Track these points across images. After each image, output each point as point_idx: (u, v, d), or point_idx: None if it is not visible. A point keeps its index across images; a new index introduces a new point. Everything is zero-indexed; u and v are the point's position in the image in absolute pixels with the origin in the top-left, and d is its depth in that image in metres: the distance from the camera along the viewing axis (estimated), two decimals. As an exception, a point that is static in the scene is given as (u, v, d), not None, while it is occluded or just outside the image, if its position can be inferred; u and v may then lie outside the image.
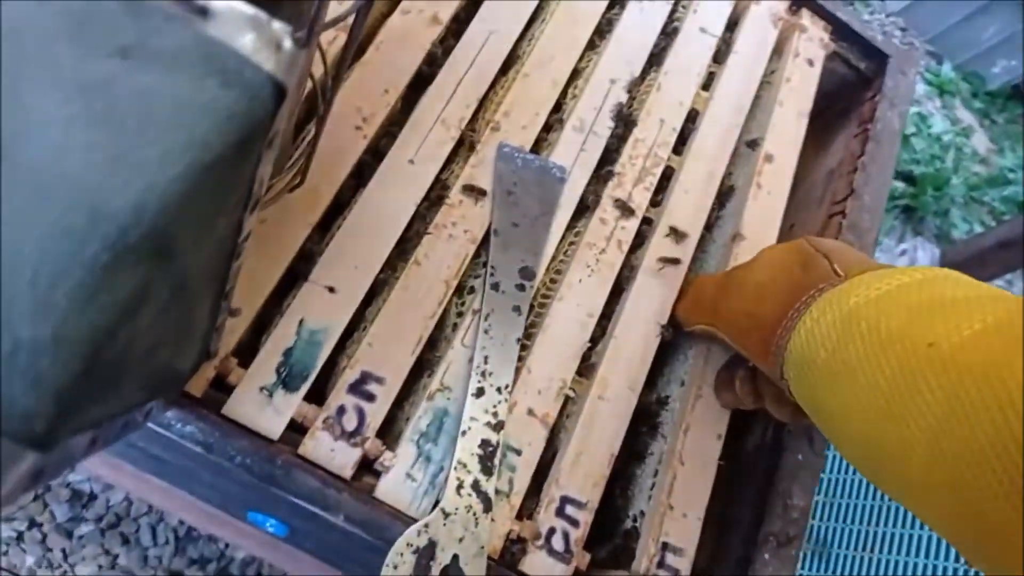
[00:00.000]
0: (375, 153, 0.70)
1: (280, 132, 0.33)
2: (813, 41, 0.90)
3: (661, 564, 0.64)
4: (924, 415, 0.43)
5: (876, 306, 0.50)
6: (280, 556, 0.97)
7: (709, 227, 0.80)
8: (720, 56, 0.88)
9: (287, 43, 0.28)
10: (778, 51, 0.91)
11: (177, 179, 0.25)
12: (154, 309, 0.28)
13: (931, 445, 0.43)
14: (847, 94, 0.95)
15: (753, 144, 0.84)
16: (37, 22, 0.24)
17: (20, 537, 1.28)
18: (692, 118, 0.84)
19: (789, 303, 0.57)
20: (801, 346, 0.54)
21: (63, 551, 1.29)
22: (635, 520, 0.67)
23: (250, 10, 0.27)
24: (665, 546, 0.64)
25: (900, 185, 2.50)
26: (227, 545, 1.35)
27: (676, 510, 0.66)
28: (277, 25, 0.27)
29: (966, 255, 1.47)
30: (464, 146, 0.73)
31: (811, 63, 0.89)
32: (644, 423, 0.72)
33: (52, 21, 0.24)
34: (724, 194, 0.82)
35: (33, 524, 1.31)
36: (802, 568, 1.32)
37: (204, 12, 0.26)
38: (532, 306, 0.70)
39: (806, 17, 0.91)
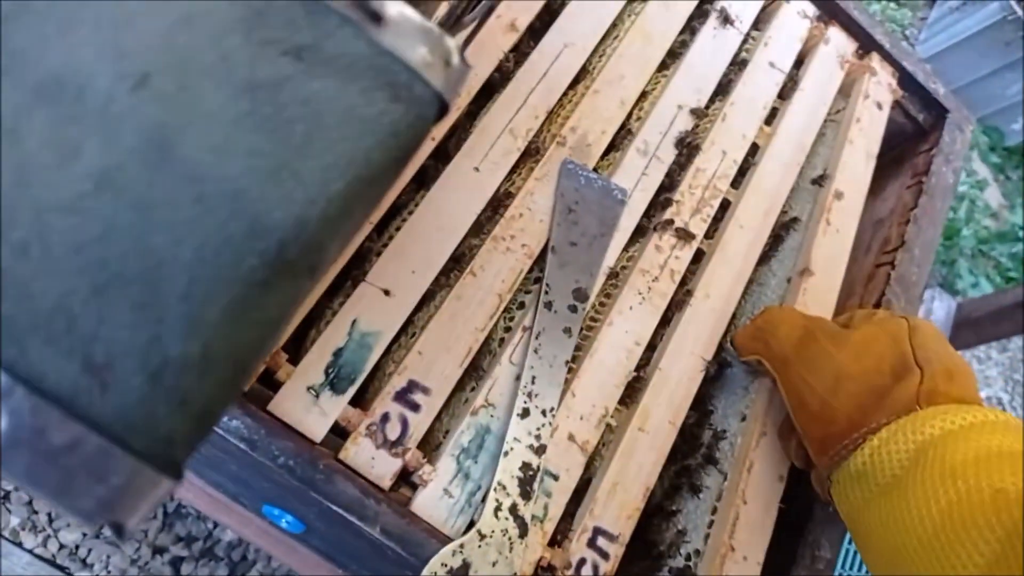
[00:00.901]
0: (438, 157, 0.68)
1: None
2: (882, 85, 0.89)
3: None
4: (973, 553, 0.45)
5: (947, 441, 0.51)
6: (279, 549, 0.95)
7: (765, 260, 0.79)
8: (785, 92, 0.87)
9: (456, 59, 0.26)
10: (845, 91, 0.90)
11: (339, 195, 0.23)
12: (288, 318, 0.26)
13: None
14: (902, 143, 0.95)
15: (820, 180, 0.83)
16: (214, 10, 0.22)
17: (7, 497, 1.25)
18: (753, 152, 0.82)
19: (868, 414, 0.57)
20: (862, 463, 0.56)
21: (49, 515, 1.26)
22: (689, 559, 0.66)
23: (421, 20, 0.25)
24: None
25: (912, 231, 2.50)
26: (215, 525, 1.32)
27: (737, 552, 0.64)
28: (449, 40, 0.26)
29: (983, 311, 1.47)
30: (529, 157, 0.71)
31: (880, 106, 0.88)
32: (696, 454, 0.70)
33: (229, 11, 0.23)
34: (785, 225, 0.81)
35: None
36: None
37: (378, 18, 0.25)
38: (581, 328, 0.69)
39: (876, 61, 0.90)
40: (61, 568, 1.21)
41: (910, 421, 0.54)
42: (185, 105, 0.22)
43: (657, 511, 0.69)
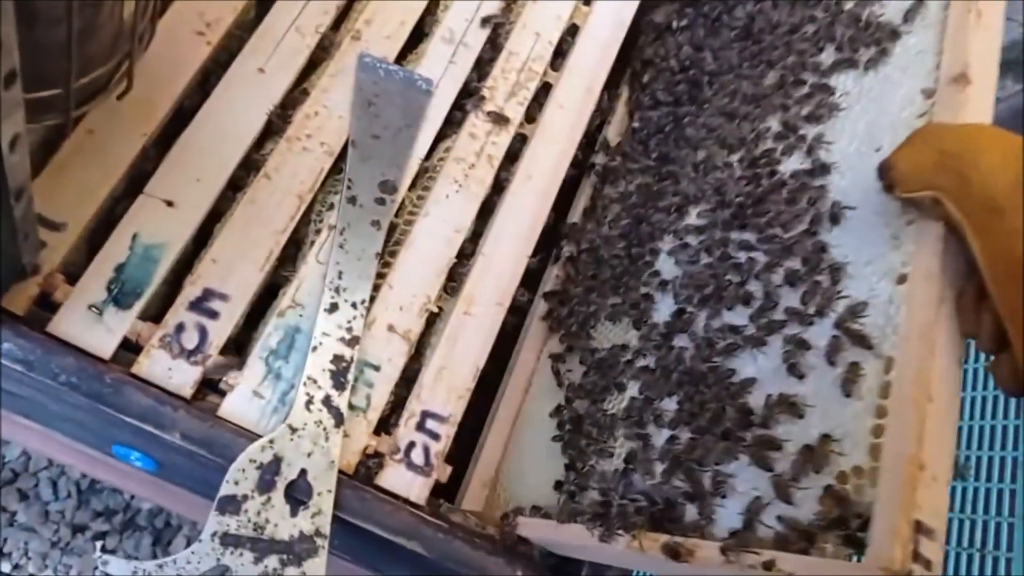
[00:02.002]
0: (221, 61, 0.66)
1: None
2: None
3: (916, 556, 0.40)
4: None
5: None
6: (165, 496, 0.95)
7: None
8: (602, -31, 0.85)
9: None
10: None
11: None
12: None
13: None
14: None
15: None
16: None
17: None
18: (572, 32, 0.81)
19: None
20: None
21: (-44, 514, 1.24)
22: (844, 479, 0.45)
23: None
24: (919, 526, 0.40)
25: None
26: (132, 496, 1.31)
27: (927, 471, 0.41)
28: None
29: None
30: (322, 54, 0.69)
31: None
32: (838, 331, 0.51)
33: None
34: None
35: (-81, 488, 1.25)
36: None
37: None
38: (395, 222, 0.68)
39: None
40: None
41: None
42: None
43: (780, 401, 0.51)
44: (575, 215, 0.79)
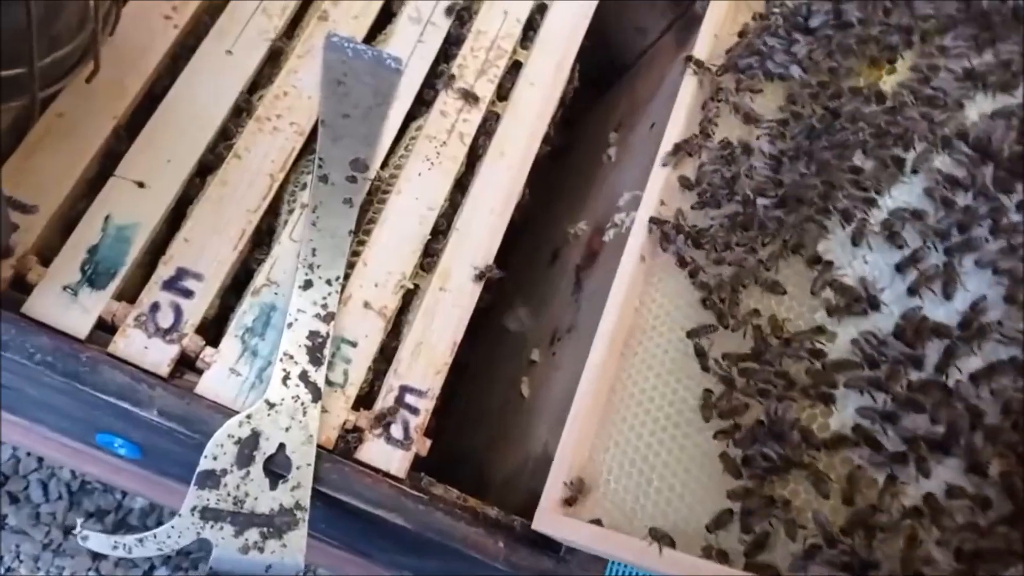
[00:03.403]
0: (189, 44, 0.66)
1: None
2: None
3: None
4: None
5: None
6: (156, 490, 0.95)
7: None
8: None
9: None
10: None
11: None
12: None
13: None
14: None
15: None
16: None
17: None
18: (540, 10, 0.82)
19: None
20: None
21: (-51, 518, 1.23)
22: None
23: None
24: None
25: None
26: (124, 495, 1.31)
27: None
28: None
29: None
30: (290, 35, 0.70)
31: None
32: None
33: None
34: None
35: (-88, 490, 1.25)
36: None
37: None
38: (370, 201, 0.68)
39: None
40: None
41: None
42: None
43: None
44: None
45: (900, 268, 0.58)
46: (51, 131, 0.58)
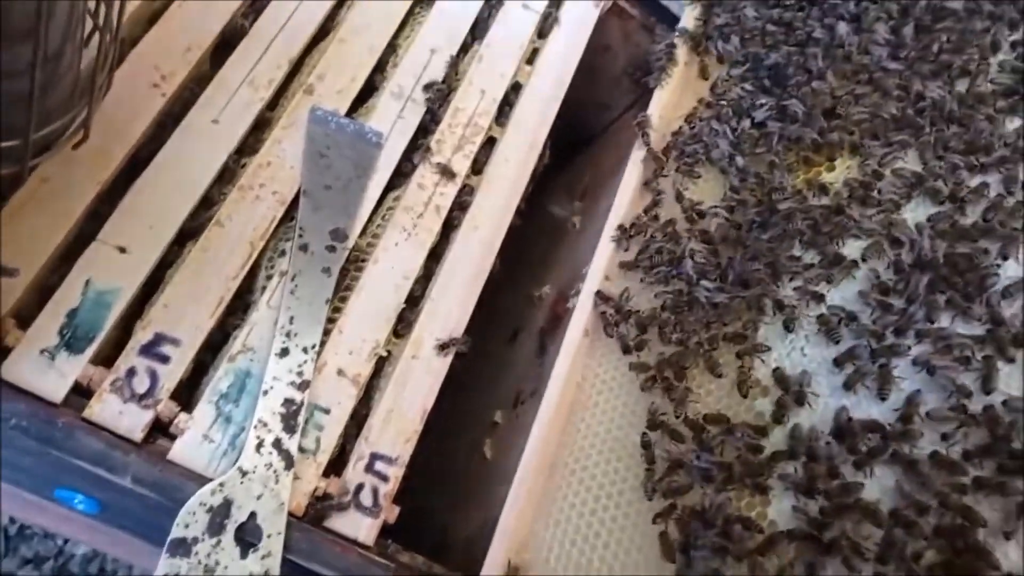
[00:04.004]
0: (175, 113, 0.68)
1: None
2: None
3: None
4: None
5: None
6: (106, 540, 0.93)
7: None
8: (544, 32, 0.90)
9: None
10: None
11: None
12: None
13: None
14: None
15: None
16: None
17: None
18: (516, 89, 0.86)
19: None
20: None
21: None
22: None
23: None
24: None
25: None
26: (66, 541, 1.27)
27: None
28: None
29: None
30: (275, 107, 0.72)
31: None
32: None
33: None
34: None
35: None
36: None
37: None
38: (347, 269, 0.70)
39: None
40: None
41: None
42: None
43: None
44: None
45: (837, 363, 0.63)
46: (35, 196, 0.59)
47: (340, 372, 0.66)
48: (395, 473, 0.65)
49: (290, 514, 0.59)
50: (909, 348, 0.60)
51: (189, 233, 0.65)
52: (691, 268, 0.71)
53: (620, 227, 0.77)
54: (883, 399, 0.59)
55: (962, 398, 0.57)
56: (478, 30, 0.86)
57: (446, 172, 0.77)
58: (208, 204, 0.66)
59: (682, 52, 0.89)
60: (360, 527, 0.62)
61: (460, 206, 0.77)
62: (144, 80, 0.66)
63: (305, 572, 0.58)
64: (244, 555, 0.56)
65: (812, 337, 0.65)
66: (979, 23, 0.73)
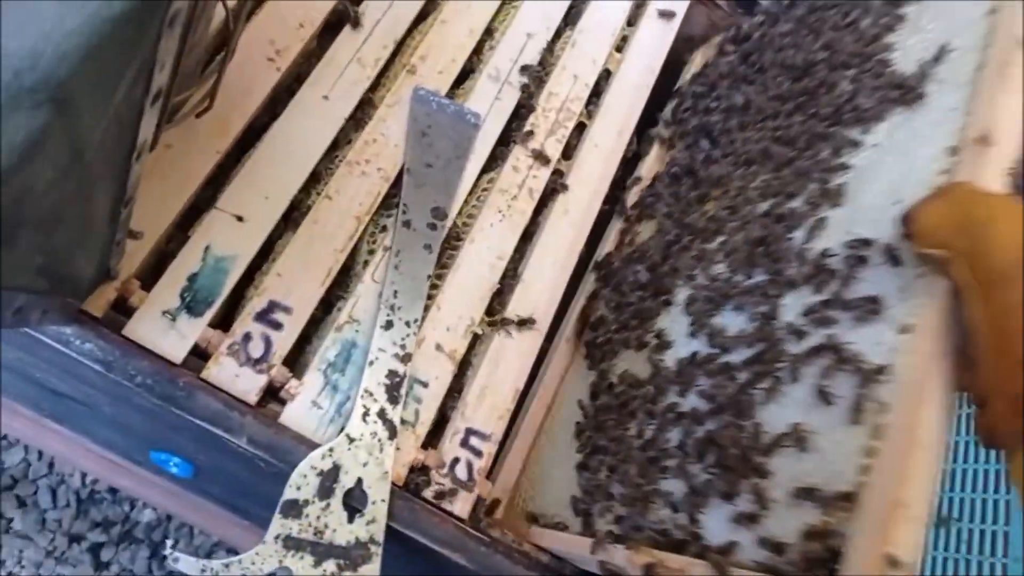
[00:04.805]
0: (289, 87, 0.69)
1: (182, 14, 0.33)
2: None
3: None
4: None
5: None
6: (186, 507, 0.96)
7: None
8: (633, 19, 0.91)
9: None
10: None
11: (75, 31, 0.25)
12: (51, 168, 0.28)
13: None
14: None
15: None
16: None
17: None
18: (606, 76, 0.86)
19: None
20: None
21: (-46, 521, 1.22)
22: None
23: None
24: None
25: None
26: (132, 507, 1.31)
27: (912, 509, 0.43)
28: None
29: None
30: (380, 85, 0.73)
31: None
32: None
33: None
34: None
35: (-77, 487, 1.24)
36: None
37: None
38: (444, 247, 0.71)
39: None
40: (-34, 564, 1.18)
41: None
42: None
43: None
44: (604, 249, 0.83)
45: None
46: (160, 161, 0.61)
47: (439, 347, 0.67)
48: (488, 449, 0.66)
49: (392, 483, 0.60)
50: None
51: (298, 205, 0.66)
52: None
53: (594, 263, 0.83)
54: None
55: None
56: (571, 15, 0.86)
57: (540, 156, 0.77)
58: (317, 178, 0.68)
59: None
60: (455, 500, 0.63)
61: (552, 190, 0.78)
62: (260, 53, 0.67)
63: (403, 539, 0.60)
64: (351, 519, 0.58)
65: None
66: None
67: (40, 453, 1.28)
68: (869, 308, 0.52)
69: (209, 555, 1.33)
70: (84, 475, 1.28)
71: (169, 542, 0.49)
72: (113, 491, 1.28)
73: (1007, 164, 0.53)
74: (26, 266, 0.33)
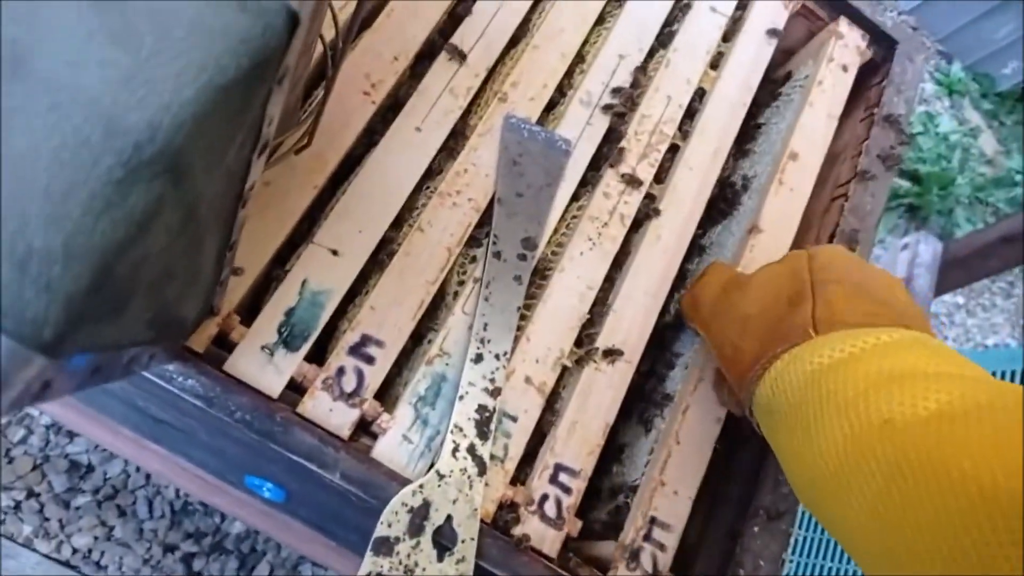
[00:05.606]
0: (384, 119, 0.70)
1: (291, 70, 0.33)
2: (849, 48, 0.90)
3: (647, 537, 0.64)
4: (865, 489, 0.44)
5: (837, 371, 0.49)
6: (275, 526, 0.98)
7: (723, 217, 0.81)
8: (729, 35, 0.88)
9: (302, -27, 0.28)
10: (812, 54, 0.91)
11: (191, 100, 0.25)
12: (165, 233, 0.28)
13: (871, 512, 0.44)
14: (856, 79, 0.95)
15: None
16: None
17: (18, 507, 1.28)
18: (700, 96, 0.84)
19: (768, 346, 0.56)
20: (767, 394, 0.56)
21: (60, 521, 1.29)
22: (626, 495, 0.68)
23: (265, -61, 0.27)
24: (653, 520, 0.65)
25: (905, 184, 2.49)
26: (223, 519, 1.35)
27: (668, 487, 0.66)
28: (293, -45, 0.28)
29: (968, 250, 1.47)
30: (471, 114, 0.73)
31: (845, 69, 0.89)
32: (652, 398, 0.72)
33: (68, -66, 0.25)
34: (743, 186, 0.82)
35: (31, 494, 1.31)
36: (796, 554, 1.30)
37: (221, -63, 0.27)
38: (533, 278, 0.70)
39: (843, 25, 0.91)
40: (72, 567, 1.24)
41: (805, 349, 0.53)
42: (36, 27, 0.24)
43: (620, 447, 0.70)
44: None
45: None
46: (258, 198, 0.62)
47: (528, 380, 0.66)
48: (578, 486, 0.65)
49: (481, 520, 0.59)
50: None
51: (391, 238, 0.66)
52: None
53: None
54: None
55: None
56: (664, 35, 0.84)
57: (632, 181, 0.75)
58: (410, 209, 0.68)
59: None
60: (544, 538, 0.62)
61: (644, 215, 0.76)
62: (355, 87, 0.68)
63: (493, 579, 0.59)
64: (440, 558, 0.57)
65: None
66: None
67: (138, 466, 1.33)
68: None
69: (295, 567, 1.36)
70: (178, 489, 1.33)
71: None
72: (204, 503, 1.32)
73: None
74: (136, 325, 0.33)
